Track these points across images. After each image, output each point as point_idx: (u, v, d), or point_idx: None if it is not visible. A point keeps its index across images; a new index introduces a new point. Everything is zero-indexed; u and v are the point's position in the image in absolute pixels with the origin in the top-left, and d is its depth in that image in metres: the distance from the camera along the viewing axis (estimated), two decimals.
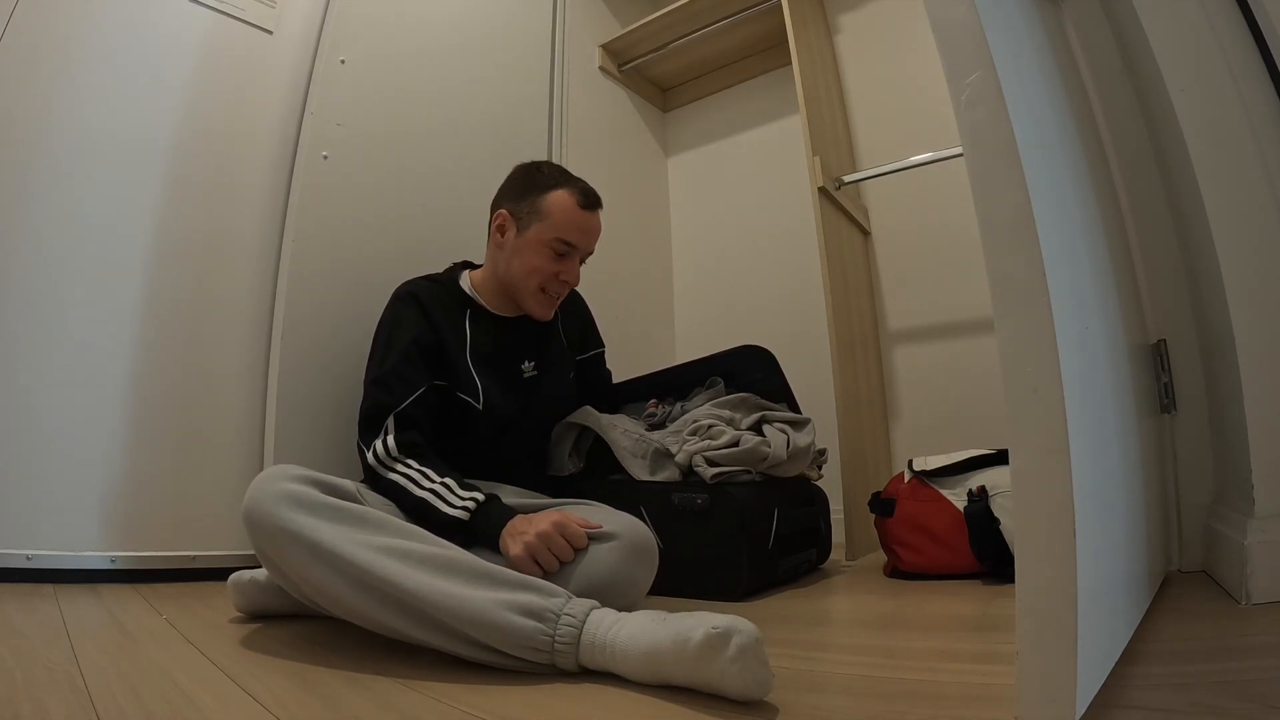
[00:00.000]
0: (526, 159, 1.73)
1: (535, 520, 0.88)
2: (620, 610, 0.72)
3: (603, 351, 1.42)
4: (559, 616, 0.69)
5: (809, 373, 1.62)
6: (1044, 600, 0.47)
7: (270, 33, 1.46)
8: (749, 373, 1.32)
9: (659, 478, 1.20)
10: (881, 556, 1.37)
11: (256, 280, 1.36)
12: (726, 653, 0.58)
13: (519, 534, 0.87)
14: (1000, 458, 1.23)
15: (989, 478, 1.20)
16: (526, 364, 1.22)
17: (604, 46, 2.15)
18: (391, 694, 0.64)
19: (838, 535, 1.48)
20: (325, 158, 1.35)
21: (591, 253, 1.21)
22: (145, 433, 1.22)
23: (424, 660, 0.73)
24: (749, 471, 1.18)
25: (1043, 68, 0.81)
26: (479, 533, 0.91)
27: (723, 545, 1.11)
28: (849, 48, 2.05)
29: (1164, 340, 1.15)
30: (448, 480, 0.96)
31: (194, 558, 1.22)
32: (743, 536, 1.11)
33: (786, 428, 1.25)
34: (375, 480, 0.99)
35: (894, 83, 1.94)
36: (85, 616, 0.92)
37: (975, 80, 0.54)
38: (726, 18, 2.03)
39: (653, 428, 1.29)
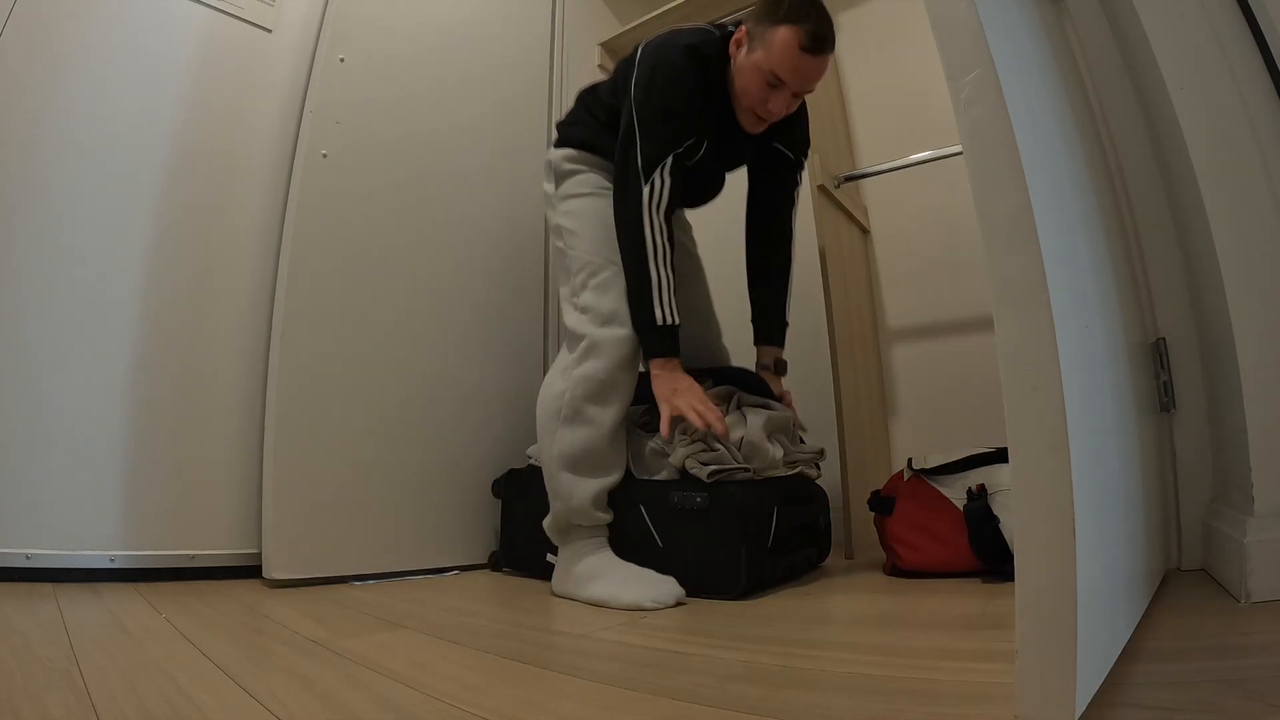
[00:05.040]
0: (525, 156, 1.74)
1: (680, 388, 1.14)
2: None
3: (803, 158, 1.45)
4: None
5: (808, 371, 1.62)
6: (1044, 598, 0.47)
7: (269, 31, 1.45)
8: (736, 385, 1.33)
9: (654, 476, 1.22)
10: (881, 555, 1.37)
11: (256, 279, 1.36)
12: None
13: (665, 390, 1.14)
14: (1000, 456, 1.23)
15: (988, 476, 1.20)
16: (727, 145, 1.32)
17: (603, 45, 2.14)
18: (390, 693, 0.64)
19: (837, 533, 1.48)
20: (324, 156, 1.35)
21: (809, 91, 1.24)
22: (144, 432, 1.22)
23: (423, 661, 0.73)
24: (746, 469, 1.18)
25: (1043, 66, 0.81)
26: (651, 342, 1.14)
27: (722, 544, 1.11)
28: (848, 46, 2.04)
29: (1163, 339, 1.15)
30: (671, 276, 1.14)
31: (193, 556, 1.22)
32: (741, 535, 1.11)
33: (763, 412, 1.26)
34: (627, 209, 1.16)
35: (893, 80, 1.93)
36: (84, 616, 0.92)
37: (975, 78, 0.54)
38: (725, 16, 2.03)
39: (643, 427, 1.31)
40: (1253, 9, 0.93)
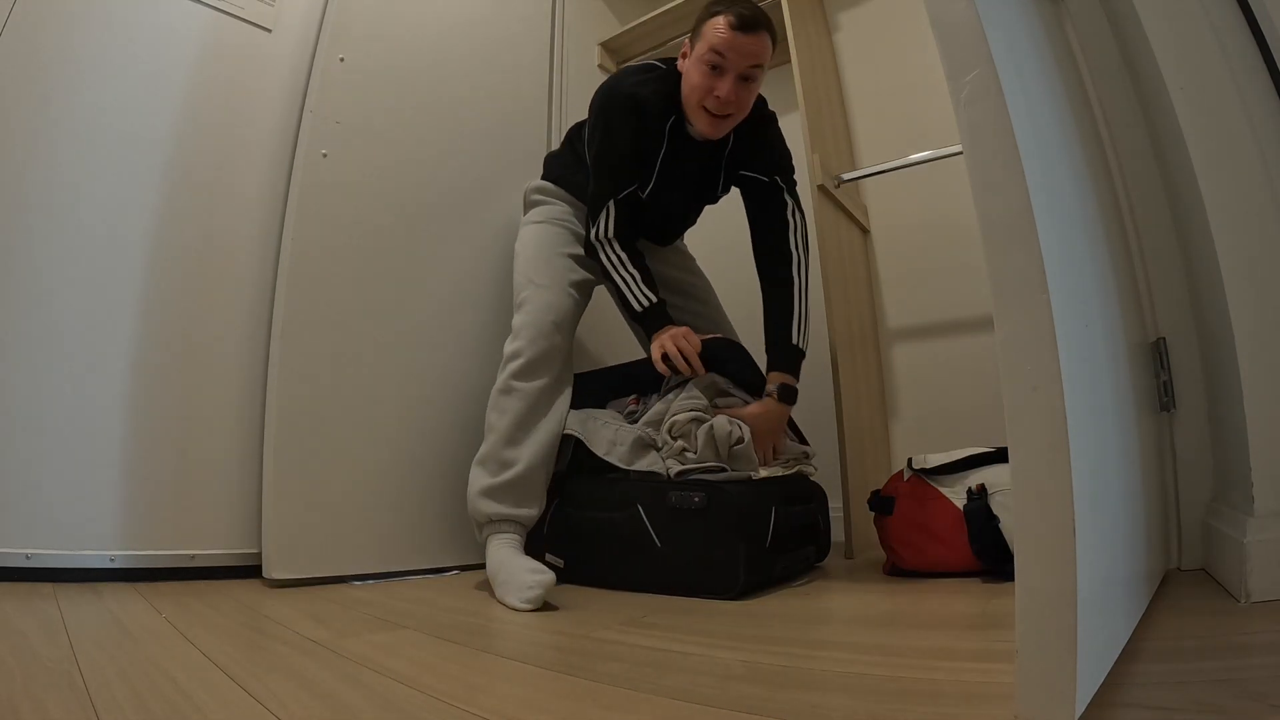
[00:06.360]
0: (525, 154, 1.74)
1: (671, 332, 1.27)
2: None
3: (780, 180, 1.42)
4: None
5: (808, 370, 1.61)
6: (1044, 598, 0.47)
7: (269, 31, 1.45)
8: (722, 364, 1.30)
9: (637, 466, 1.23)
10: (880, 554, 1.37)
11: (255, 277, 1.36)
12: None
13: (659, 341, 1.27)
14: (1000, 455, 1.23)
15: (988, 475, 1.20)
16: (690, 178, 1.41)
17: (603, 44, 2.14)
18: (391, 693, 0.64)
19: (836, 533, 1.48)
20: (324, 155, 1.35)
21: (748, 75, 1.27)
22: (144, 431, 1.22)
23: (423, 661, 0.73)
24: (722, 468, 1.18)
25: (1043, 66, 0.81)
26: (643, 324, 1.31)
27: (720, 544, 1.11)
28: (848, 45, 2.05)
29: (1163, 338, 1.15)
30: (635, 273, 1.31)
31: (193, 556, 1.22)
32: (740, 535, 1.11)
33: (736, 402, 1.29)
34: (589, 252, 1.35)
35: (893, 80, 1.93)
36: (84, 615, 0.92)
37: (974, 78, 0.54)
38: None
39: (632, 422, 1.33)
40: (1253, 9, 0.93)
